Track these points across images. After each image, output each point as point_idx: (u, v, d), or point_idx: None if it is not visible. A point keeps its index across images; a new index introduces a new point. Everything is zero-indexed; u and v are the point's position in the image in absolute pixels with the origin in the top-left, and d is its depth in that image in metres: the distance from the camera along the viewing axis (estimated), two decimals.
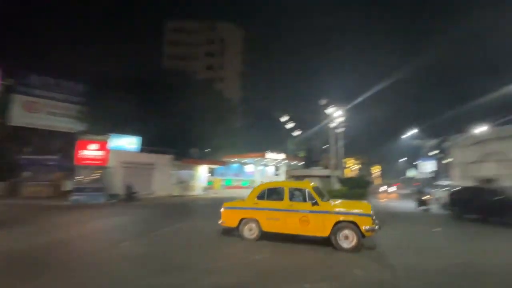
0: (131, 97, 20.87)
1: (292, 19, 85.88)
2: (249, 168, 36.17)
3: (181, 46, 47.13)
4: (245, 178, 35.43)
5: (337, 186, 13.59)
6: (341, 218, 5.87)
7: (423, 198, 14.71)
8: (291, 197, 6.44)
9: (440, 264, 5.16)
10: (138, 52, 39.14)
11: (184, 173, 24.09)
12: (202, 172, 26.65)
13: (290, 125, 27.30)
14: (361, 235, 5.68)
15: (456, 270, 4.81)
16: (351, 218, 5.82)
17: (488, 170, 18.03)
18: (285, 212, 6.30)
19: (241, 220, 6.69)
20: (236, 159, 33.63)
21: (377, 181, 55.55)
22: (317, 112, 20.20)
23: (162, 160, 21.65)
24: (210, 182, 28.27)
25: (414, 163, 38.09)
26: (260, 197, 6.75)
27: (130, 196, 16.77)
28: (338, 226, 5.83)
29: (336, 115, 18.56)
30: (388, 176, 59.94)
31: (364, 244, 5.99)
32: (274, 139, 33.82)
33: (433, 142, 28.17)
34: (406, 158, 45.77)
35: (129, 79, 23.50)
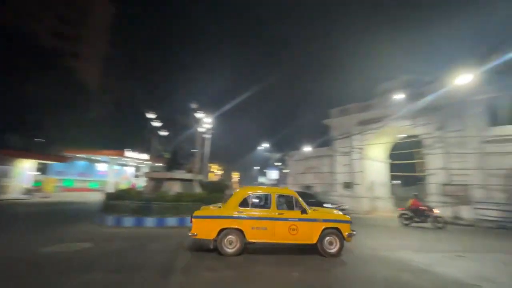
0: None
1: (176, 16, 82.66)
2: (101, 167, 30.83)
3: None
4: (94, 179, 29.90)
5: (198, 190, 13.86)
6: (328, 225, 6.23)
7: None
8: (278, 205, 6.35)
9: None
10: None
11: None
12: (25, 168, 20.21)
13: (157, 124, 25.66)
14: (343, 240, 6.20)
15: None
16: (336, 225, 6.26)
17: (309, 179, 24.57)
18: (274, 221, 6.14)
19: (221, 230, 6.02)
20: (84, 155, 27.82)
21: (235, 186, 61.86)
22: (186, 114, 20.25)
23: None
24: (38, 183, 21.72)
25: (264, 171, 45.53)
26: (244, 204, 6.31)
27: None
28: (323, 233, 6.17)
29: (204, 120, 19.37)
30: (244, 182, 67.96)
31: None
32: (137, 136, 30.65)
33: (277, 155, 35.04)
34: (259, 167, 53.86)
35: None
